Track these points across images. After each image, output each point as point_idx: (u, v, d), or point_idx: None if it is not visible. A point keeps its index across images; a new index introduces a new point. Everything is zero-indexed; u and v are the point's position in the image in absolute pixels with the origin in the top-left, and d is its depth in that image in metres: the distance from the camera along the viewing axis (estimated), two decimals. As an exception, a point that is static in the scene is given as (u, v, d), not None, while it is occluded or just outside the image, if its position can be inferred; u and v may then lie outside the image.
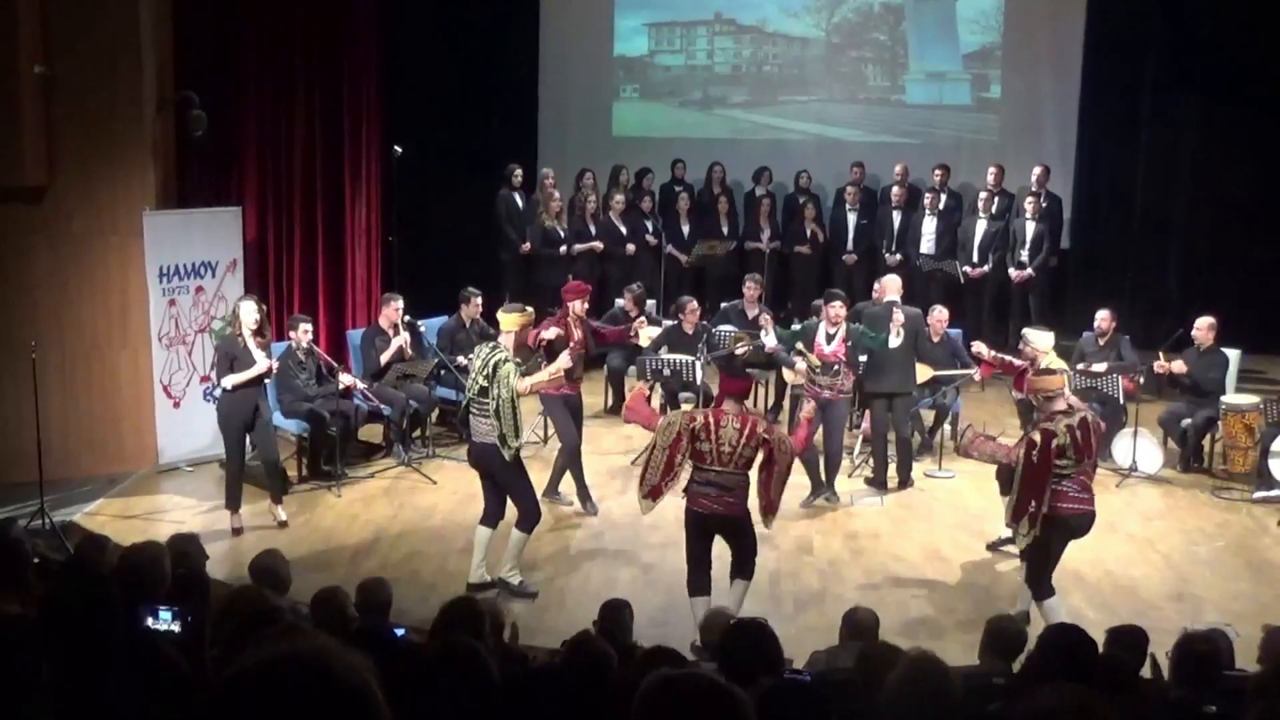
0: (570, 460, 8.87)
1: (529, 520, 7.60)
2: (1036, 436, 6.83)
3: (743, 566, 6.99)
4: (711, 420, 6.78)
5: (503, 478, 7.58)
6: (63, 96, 9.04)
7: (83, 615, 3.35)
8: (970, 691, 4.48)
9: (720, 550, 7.08)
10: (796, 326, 9.66)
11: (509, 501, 7.67)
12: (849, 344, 8.87)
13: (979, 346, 9.30)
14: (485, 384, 7.39)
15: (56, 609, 3.35)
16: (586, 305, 9.06)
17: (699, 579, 6.96)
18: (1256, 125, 12.42)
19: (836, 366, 8.87)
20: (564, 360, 7.78)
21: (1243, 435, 9.61)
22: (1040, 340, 8.74)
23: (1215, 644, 5.02)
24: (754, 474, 6.95)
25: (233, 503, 8.60)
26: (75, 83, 9.04)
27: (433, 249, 12.53)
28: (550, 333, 8.51)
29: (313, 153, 11.06)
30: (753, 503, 6.97)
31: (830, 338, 8.84)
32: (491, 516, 7.70)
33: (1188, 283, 12.80)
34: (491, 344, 7.64)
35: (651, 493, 6.94)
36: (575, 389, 8.76)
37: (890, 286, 9.69)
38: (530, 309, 8.10)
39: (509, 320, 7.73)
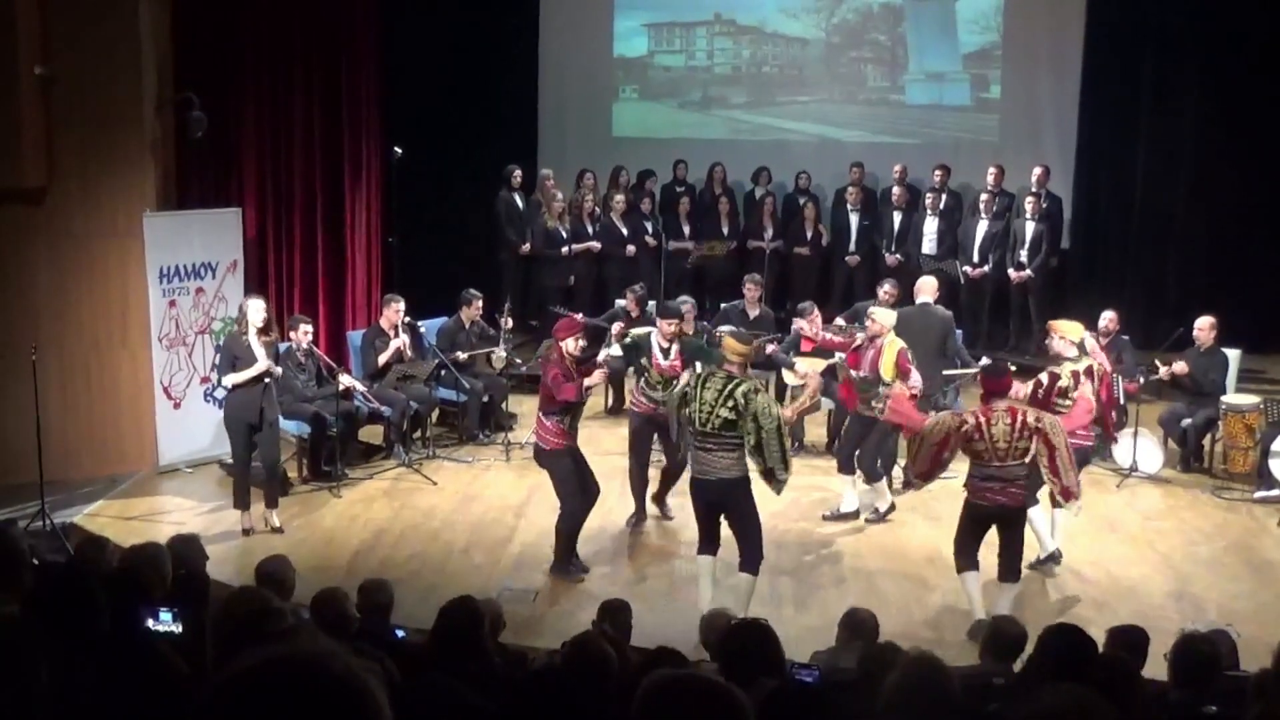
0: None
1: (757, 562, 7.10)
2: (1044, 378, 7.76)
3: (1011, 565, 7.14)
4: (982, 420, 6.89)
5: (742, 516, 7.07)
6: (62, 98, 9.04)
7: (77, 615, 3.35)
8: (970, 692, 4.48)
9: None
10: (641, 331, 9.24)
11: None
12: (685, 357, 8.69)
13: (800, 323, 9.70)
14: (732, 416, 6.82)
15: (42, 608, 3.35)
16: (584, 342, 8.12)
17: (970, 559, 7.16)
18: (1256, 125, 12.41)
19: (675, 381, 8.38)
20: (810, 390, 7.77)
21: (1243, 435, 9.61)
22: (885, 318, 8.81)
23: (1215, 645, 5.02)
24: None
25: (241, 502, 8.58)
26: (75, 84, 9.04)
27: (432, 250, 12.53)
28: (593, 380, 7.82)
29: (313, 154, 11.05)
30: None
31: (666, 351, 8.60)
32: (714, 544, 7.23)
33: (1187, 283, 12.79)
34: (722, 374, 6.95)
35: (920, 474, 7.18)
36: (569, 440, 7.90)
37: (925, 288, 9.73)
38: (753, 339, 7.60)
39: (738, 349, 7.04)
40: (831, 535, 8.66)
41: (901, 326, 9.35)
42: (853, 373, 8.84)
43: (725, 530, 7.25)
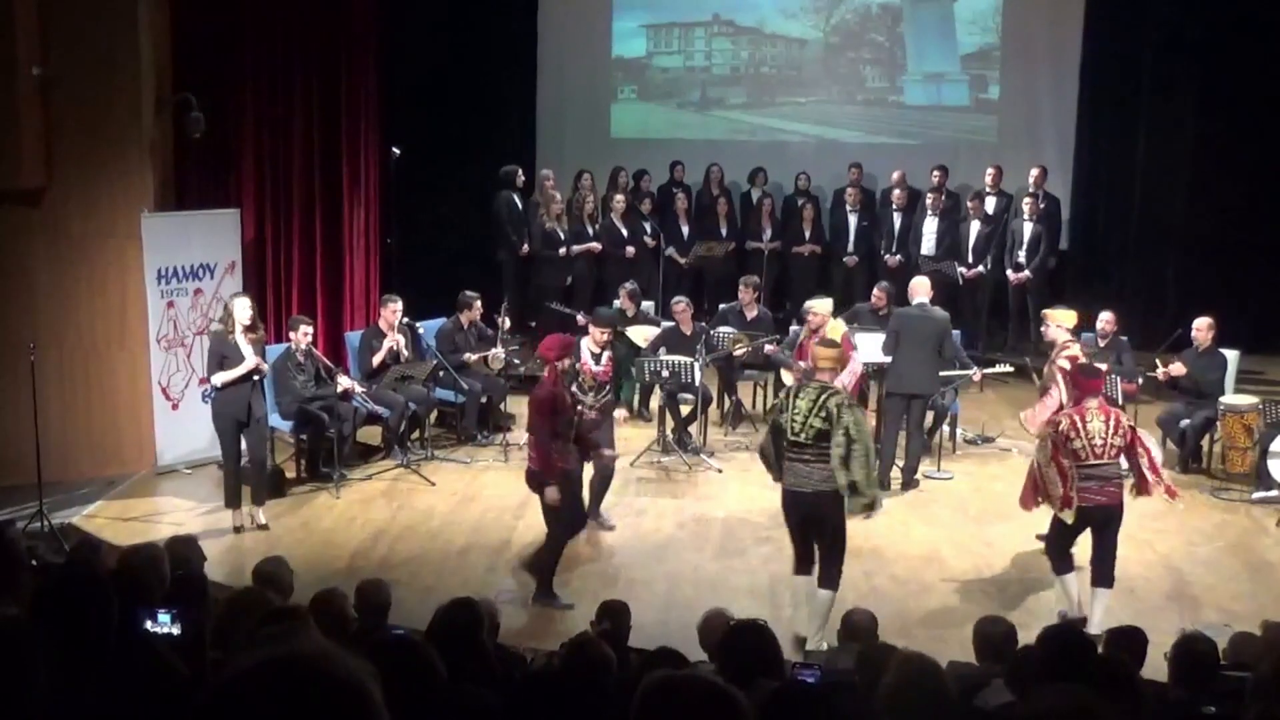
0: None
1: (837, 579, 6.94)
2: (1064, 364, 8.03)
3: (1105, 570, 7.15)
4: (1076, 418, 7.00)
5: (832, 531, 6.94)
6: (61, 98, 9.03)
7: (78, 617, 3.35)
8: (966, 692, 4.48)
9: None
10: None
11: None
12: (616, 362, 8.91)
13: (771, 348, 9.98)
14: (825, 427, 6.72)
15: (47, 610, 3.34)
16: (569, 361, 7.79)
17: (1068, 562, 7.27)
18: (1254, 125, 12.41)
19: (606, 386, 8.60)
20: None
21: (1241, 436, 9.61)
22: (823, 306, 9.08)
23: (1215, 644, 5.03)
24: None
25: (232, 500, 8.61)
26: (73, 84, 9.03)
27: (431, 251, 12.52)
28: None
29: (311, 154, 11.04)
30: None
31: (597, 357, 8.56)
32: (810, 562, 7.05)
33: (1186, 283, 12.79)
34: (816, 383, 6.92)
35: (1065, 502, 6.99)
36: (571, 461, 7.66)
37: (919, 289, 9.76)
38: (839, 343, 7.44)
39: (828, 354, 7.10)
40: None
41: (900, 327, 9.37)
42: (800, 364, 8.93)
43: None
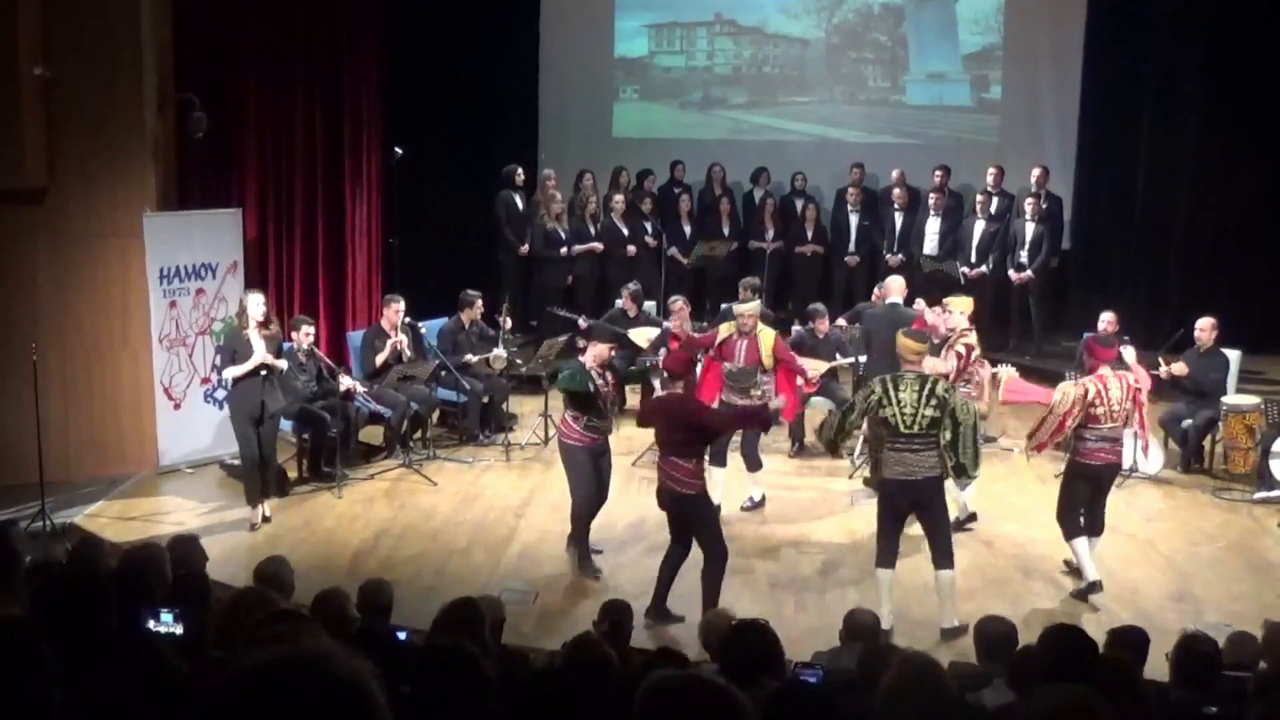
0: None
1: (951, 555, 7.17)
2: (962, 349, 8.45)
3: (1100, 522, 7.75)
4: (1100, 386, 7.45)
5: (939, 513, 7.13)
6: (63, 98, 9.05)
7: (80, 617, 3.35)
8: (966, 692, 4.48)
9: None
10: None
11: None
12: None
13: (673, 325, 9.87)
14: (937, 415, 6.85)
15: (49, 610, 3.35)
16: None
17: (1076, 527, 7.66)
18: (1256, 125, 12.41)
19: (613, 407, 8.16)
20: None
21: (1243, 436, 9.61)
22: (754, 308, 9.08)
23: (1216, 644, 5.03)
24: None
25: (253, 498, 8.61)
26: (76, 84, 9.04)
27: (433, 250, 12.53)
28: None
29: (313, 154, 11.06)
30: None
31: (601, 376, 7.92)
32: (895, 554, 7.20)
33: (1188, 283, 12.78)
34: (911, 375, 6.96)
35: (1039, 447, 7.72)
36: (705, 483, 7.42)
37: (892, 288, 9.77)
38: (927, 335, 7.46)
39: (915, 347, 7.14)
40: (829, 536, 8.66)
41: (870, 327, 9.42)
42: (727, 365, 8.91)
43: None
